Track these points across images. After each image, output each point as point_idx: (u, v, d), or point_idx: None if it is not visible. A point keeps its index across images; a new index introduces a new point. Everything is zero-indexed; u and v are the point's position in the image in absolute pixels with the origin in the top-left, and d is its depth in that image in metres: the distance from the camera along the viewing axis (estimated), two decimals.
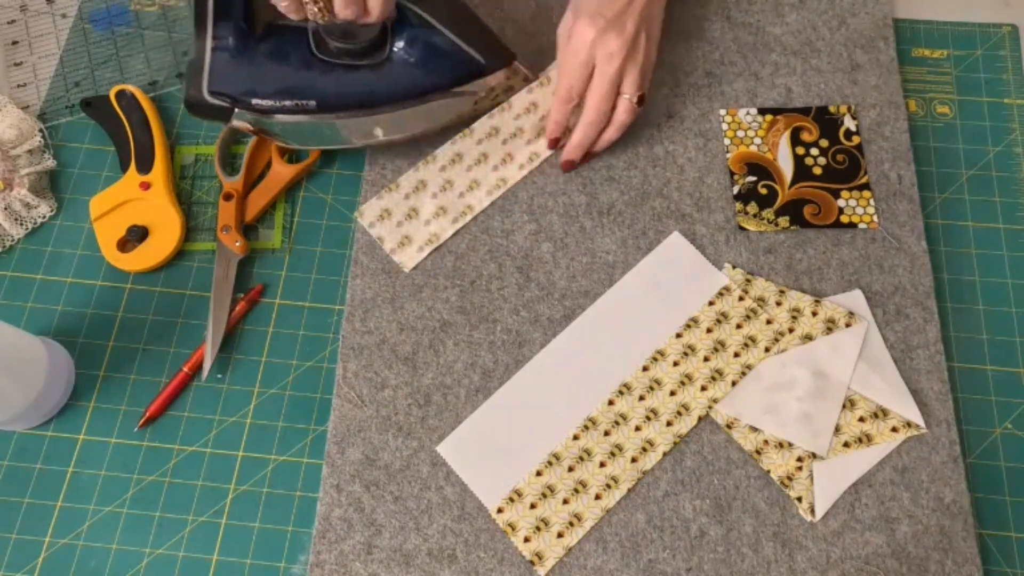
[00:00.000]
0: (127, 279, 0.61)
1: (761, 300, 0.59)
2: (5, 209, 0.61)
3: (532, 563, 0.52)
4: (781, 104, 0.65)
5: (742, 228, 0.61)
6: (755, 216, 0.61)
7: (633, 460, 0.54)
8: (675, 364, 0.57)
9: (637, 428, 0.55)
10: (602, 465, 0.54)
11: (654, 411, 0.56)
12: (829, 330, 0.58)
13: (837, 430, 0.55)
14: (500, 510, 0.53)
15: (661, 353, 0.57)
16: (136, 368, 0.58)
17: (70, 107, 0.67)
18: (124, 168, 0.63)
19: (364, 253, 0.60)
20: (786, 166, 0.63)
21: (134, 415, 0.57)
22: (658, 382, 0.56)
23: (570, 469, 0.54)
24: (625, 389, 0.56)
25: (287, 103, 0.56)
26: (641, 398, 0.56)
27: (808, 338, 0.58)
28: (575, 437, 0.55)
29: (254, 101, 0.55)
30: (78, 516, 0.54)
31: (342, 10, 0.51)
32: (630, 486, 0.54)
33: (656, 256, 0.60)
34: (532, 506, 0.53)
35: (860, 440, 0.55)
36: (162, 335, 0.59)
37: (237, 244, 0.61)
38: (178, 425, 0.57)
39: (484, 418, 0.55)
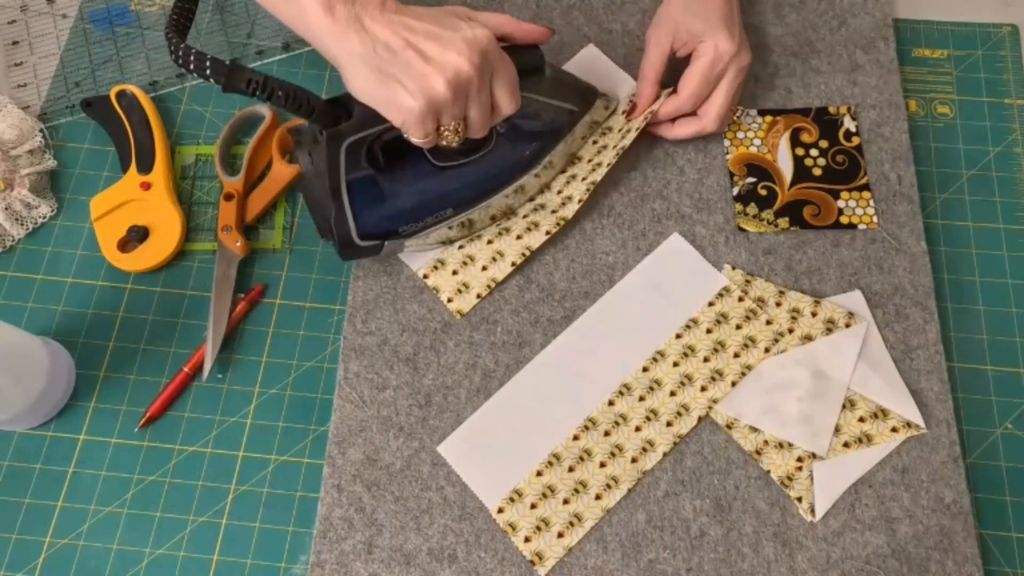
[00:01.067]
0: (127, 279, 0.61)
1: (761, 301, 0.59)
2: (6, 209, 0.61)
3: (532, 563, 0.52)
4: (781, 105, 0.66)
5: (742, 229, 0.61)
6: (755, 217, 0.61)
7: (633, 460, 0.54)
8: (675, 365, 0.57)
9: (637, 428, 0.55)
10: (602, 465, 0.54)
11: (654, 411, 0.56)
12: (829, 330, 0.58)
13: (837, 430, 0.55)
14: (501, 510, 0.53)
15: (661, 354, 0.57)
16: (136, 368, 0.58)
17: (70, 107, 0.67)
18: (124, 168, 0.63)
19: None
20: (786, 167, 0.63)
21: (134, 415, 0.57)
22: (658, 383, 0.56)
23: (570, 469, 0.54)
24: (625, 390, 0.56)
25: (428, 219, 0.57)
26: (641, 398, 0.56)
27: (808, 339, 0.58)
28: (575, 437, 0.55)
29: (400, 230, 0.57)
30: (78, 516, 0.54)
31: (478, 133, 0.51)
32: (630, 486, 0.54)
33: (656, 257, 0.60)
34: (532, 506, 0.53)
35: (860, 440, 0.55)
36: (162, 335, 0.59)
37: (237, 244, 0.61)
38: (178, 425, 0.57)
39: (485, 418, 0.55)
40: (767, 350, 0.57)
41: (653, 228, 0.61)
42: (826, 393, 0.56)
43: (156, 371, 0.58)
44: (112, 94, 0.65)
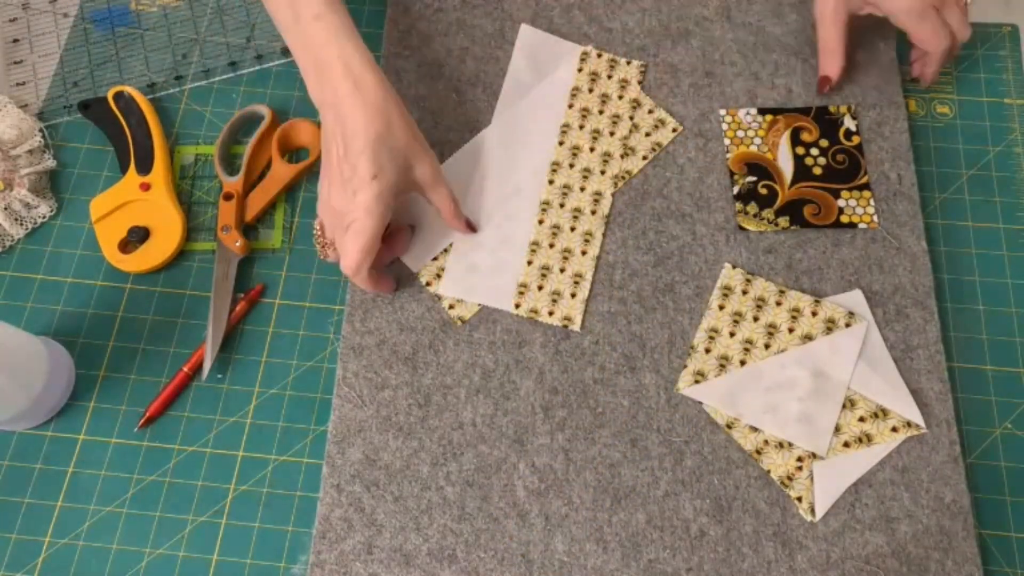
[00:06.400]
0: (127, 279, 0.61)
1: (761, 300, 0.58)
2: (5, 209, 0.61)
3: (565, 326, 0.58)
4: (781, 104, 0.65)
5: (742, 228, 0.61)
6: (755, 216, 0.61)
7: (592, 212, 0.61)
8: (580, 128, 0.64)
9: (582, 189, 0.62)
10: (572, 229, 0.61)
11: (587, 170, 0.63)
12: (829, 330, 0.57)
13: (837, 430, 0.55)
14: (517, 305, 0.58)
15: (567, 125, 0.64)
16: (136, 368, 0.58)
17: (68, 107, 0.67)
18: (123, 169, 0.63)
19: None
20: (786, 166, 0.63)
21: (134, 415, 0.57)
22: (577, 147, 0.63)
23: (551, 246, 0.61)
24: (556, 166, 0.63)
25: None
26: (571, 166, 0.63)
27: (808, 338, 0.57)
28: (540, 221, 0.61)
29: None
30: (78, 516, 0.54)
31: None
32: (602, 231, 0.61)
33: (518, 59, 0.67)
34: (540, 288, 0.59)
35: (860, 440, 0.55)
36: (162, 335, 0.59)
37: (237, 244, 0.60)
38: (178, 425, 0.56)
39: (461, 250, 0.60)
40: (767, 347, 0.57)
41: (653, 227, 0.61)
42: (826, 393, 0.56)
43: (156, 371, 0.58)
44: (109, 96, 0.65)
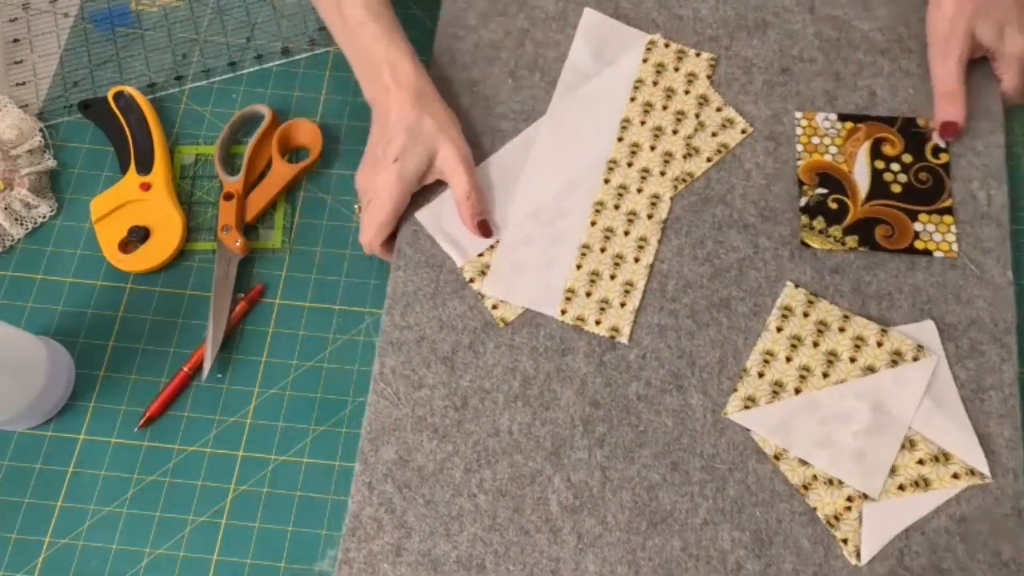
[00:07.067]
0: (127, 279, 1.03)
1: (823, 324, 0.90)
2: (5, 209, 1.03)
3: (612, 337, 0.90)
4: (863, 109, 0.99)
5: (805, 244, 0.93)
6: (821, 232, 0.94)
7: (649, 216, 0.96)
8: (642, 124, 1.00)
9: (639, 190, 0.97)
10: (626, 233, 0.95)
11: (645, 170, 0.98)
12: (894, 363, 0.88)
13: (893, 471, 0.84)
14: (564, 311, 0.92)
15: (627, 120, 1.01)
16: (136, 368, 0.99)
17: (68, 107, 1.10)
18: (124, 169, 1.07)
19: (408, 244, 0.97)
20: (862, 180, 0.96)
21: (134, 415, 0.97)
22: (636, 145, 0.98)
23: (602, 250, 0.95)
24: (613, 164, 0.99)
25: None
26: (629, 164, 0.99)
27: (870, 370, 0.88)
28: (593, 223, 0.96)
29: None
30: (78, 516, 0.93)
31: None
32: (658, 238, 0.94)
33: (580, 43, 1.03)
34: (588, 294, 0.93)
35: (917, 484, 0.83)
36: (162, 335, 1.01)
37: (237, 244, 1.03)
38: (178, 425, 0.97)
39: (510, 246, 0.96)
40: (825, 375, 0.88)
41: (712, 236, 0.94)
42: (885, 430, 0.85)
43: (156, 371, 0.99)
44: (109, 96, 1.09)
